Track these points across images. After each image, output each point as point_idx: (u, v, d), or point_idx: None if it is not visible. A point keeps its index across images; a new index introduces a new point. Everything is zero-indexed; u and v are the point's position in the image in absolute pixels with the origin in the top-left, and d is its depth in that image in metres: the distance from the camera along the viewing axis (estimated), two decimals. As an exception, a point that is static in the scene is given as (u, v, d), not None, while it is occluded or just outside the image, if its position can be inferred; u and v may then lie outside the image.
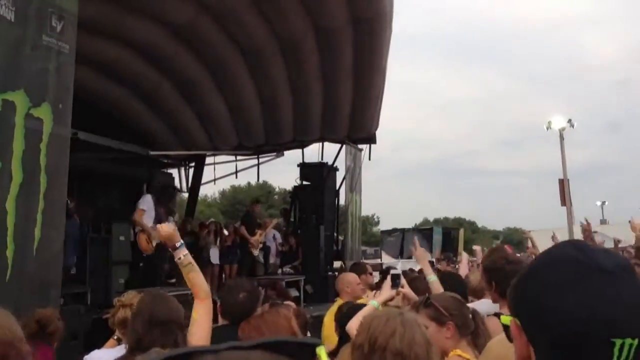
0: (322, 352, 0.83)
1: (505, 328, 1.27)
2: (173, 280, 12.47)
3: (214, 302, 3.78)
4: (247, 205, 15.63)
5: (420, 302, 3.39)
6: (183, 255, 3.51)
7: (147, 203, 10.60)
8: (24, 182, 5.90)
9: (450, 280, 4.91)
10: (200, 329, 3.38)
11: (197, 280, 3.49)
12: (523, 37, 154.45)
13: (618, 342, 1.06)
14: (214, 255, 13.50)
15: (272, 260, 15.30)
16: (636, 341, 1.06)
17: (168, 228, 3.58)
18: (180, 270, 3.57)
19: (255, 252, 14.24)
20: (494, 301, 3.67)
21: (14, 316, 2.54)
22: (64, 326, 4.55)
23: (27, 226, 5.95)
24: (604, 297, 1.09)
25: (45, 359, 4.23)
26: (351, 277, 6.31)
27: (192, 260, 3.54)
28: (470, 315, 3.25)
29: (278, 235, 15.64)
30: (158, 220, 10.70)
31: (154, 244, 10.52)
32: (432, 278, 4.75)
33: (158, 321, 3.07)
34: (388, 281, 4.53)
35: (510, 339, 1.24)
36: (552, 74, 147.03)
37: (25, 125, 5.92)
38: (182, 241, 3.57)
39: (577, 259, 1.13)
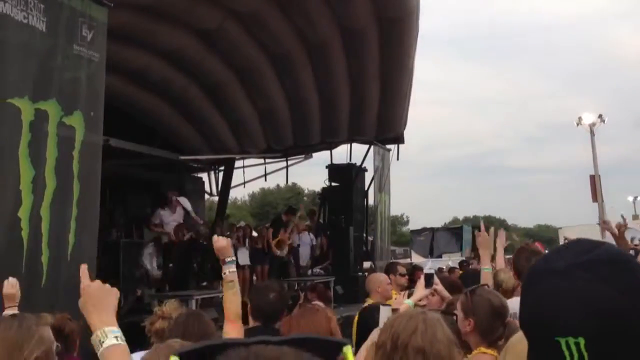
0: (348, 352, 0.85)
1: None
2: (205, 283, 12.63)
3: (244, 304, 3.83)
4: (280, 211, 15.72)
5: (470, 289, 3.42)
6: (229, 271, 3.54)
7: (157, 217, 10.71)
8: (58, 189, 6.01)
9: (473, 280, 4.91)
10: None
11: (232, 301, 3.52)
12: (552, 32, 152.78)
13: (562, 340, 1.06)
14: (243, 257, 13.59)
15: (303, 262, 15.33)
16: (581, 340, 1.05)
17: (223, 241, 3.62)
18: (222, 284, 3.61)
19: (278, 253, 14.25)
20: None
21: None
22: (78, 325, 4.59)
23: (61, 232, 6.07)
24: (548, 297, 1.10)
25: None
26: (382, 277, 6.34)
27: (236, 279, 3.56)
28: (502, 328, 3.23)
29: (313, 239, 15.65)
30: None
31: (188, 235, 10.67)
32: (486, 269, 4.74)
33: (189, 338, 3.12)
34: (422, 280, 4.54)
35: None
36: (581, 70, 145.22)
37: (57, 134, 6.04)
38: (233, 257, 3.61)
39: (537, 264, 1.18)
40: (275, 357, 0.77)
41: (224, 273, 3.53)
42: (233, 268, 3.55)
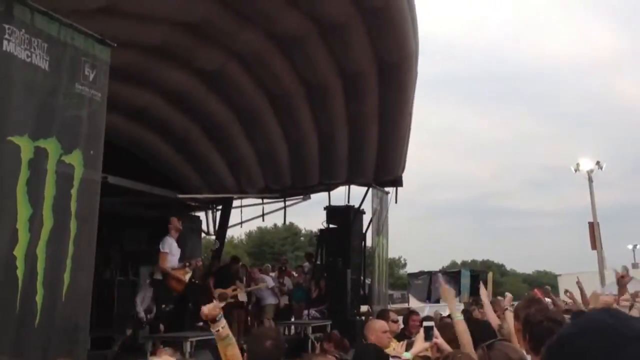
0: None
1: None
2: (201, 324, 12.48)
3: (241, 350, 3.78)
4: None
5: (487, 343, 3.36)
6: (221, 327, 3.53)
7: (168, 245, 10.64)
8: (55, 227, 5.98)
9: (480, 329, 4.84)
10: None
11: (232, 356, 3.50)
12: (551, 78, 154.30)
13: None
14: (242, 295, 13.50)
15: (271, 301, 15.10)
16: None
17: (214, 310, 3.61)
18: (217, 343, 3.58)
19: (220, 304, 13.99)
20: (526, 352, 3.60)
21: None
22: None
23: (56, 271, 6.01)
24: None
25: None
26: (378, 324, 6.24)
27: (230, 333, 3.55)
28: None
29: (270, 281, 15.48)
30: (182, 258, 10.80)
31: (187, 278, 10.58)
32: (459, 317, 4.69)
33: None
34: (421, 333, 4.49)
35: None
36: (580, 115, 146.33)
37: (56, 172, 6.03)
38: (221, 313, 3.59)
39: (613, 326, 1.13)
40: None
41: (217, 330, 3.51)
42: (224, 323, 3.53)
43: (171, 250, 10.61)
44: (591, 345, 1.12)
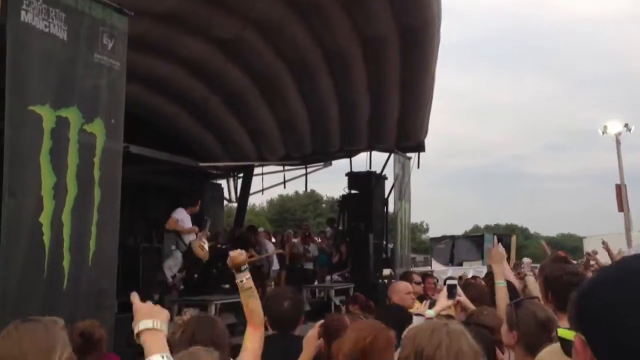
0: None
1: (563, 342, 1.25)
2: (226, 286, 12.70)
3: None
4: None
5: (515, 301, 3.38)
6: (245, 278, 3.53)
7: (178, 213, 10.76)
8: (79, 195, 6.10)
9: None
10: (250, 358, 3.41)
11: (254, 307, 3.51)
12: (574, 37, 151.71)
13: None
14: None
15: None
16: None
17: (240, 255, 3.63)
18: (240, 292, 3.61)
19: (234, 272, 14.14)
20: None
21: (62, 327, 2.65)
22: (106, 332, 4.65)
23: (82, 238, 6.15)
24: None
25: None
26: (401, 285, 6.29)
27: (253, 285, 3.57)
28: (548, 341, 3.18)
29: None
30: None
31: (207, 248, 10.75)
32: (502, 283, 4.65)
33: (199, 342, 3.11)
34: (444, 291, 4.50)
35: (567, 352, 1.23)
36: (604, 75, 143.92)
37: (78, 141, 6.12)
38: (247, 265, 3.62)
39: None
40: None
41: (240, 281, 3.53)
42: (248, 274, 3.55)
43: (182, 218, 10.73)
44: (631, 293, 1.10)
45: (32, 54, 5.72)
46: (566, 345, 1.23)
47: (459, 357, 2.25)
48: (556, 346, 2.09)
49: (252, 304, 3.51)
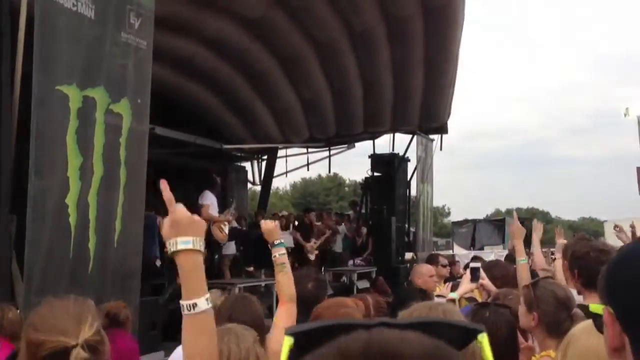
0: (484, 341, 0.78)
1: (595, 317, 1.21)
2: (251, 269, 12.71)
3: None
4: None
5: (533, 281, 3.31)
6: (279, 253, 3.49)
7: (208, 198, 10.75)
8: (105, 176, 6.06)
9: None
10: (281, 335, 3.37)
11: (285, 282, 3.47)
12: (602, 20, 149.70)
13: None
14: (287, 242, 13.61)
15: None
16: None
17: (271, 224, 3.57)
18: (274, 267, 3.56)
19: (312, 257, 14.22)
20: (578, 292, 3.52)
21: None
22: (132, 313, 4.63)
23: (108, 219, 6.13)
24: None
25: (124, 343, 4.31)
26: (424, 268, 6.24)
27: (286, 261, 3.52)
28: (569, 320, 3.11)
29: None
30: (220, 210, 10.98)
31: (227, 231, 10.74)
32: (523, 260, 4.57)
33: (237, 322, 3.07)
34: (467, 274, 4.46)
35: (599, 328, 1.18)
36: (630, 59, 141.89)
37: (105, 121, 6.08)
38: (281, 240, 3.55)
39: None
40: (398, 343, 0.69)
41: (274, 256, 3.50)
42: (282, 250, 3.51)
43: (212, 202, 10.73)
44: None
45: (59, 32, 5.67)
46: (598, 321, 1.19)
47: None
48: (589, 323, 2.04)
49: (283, 278, 3.47)
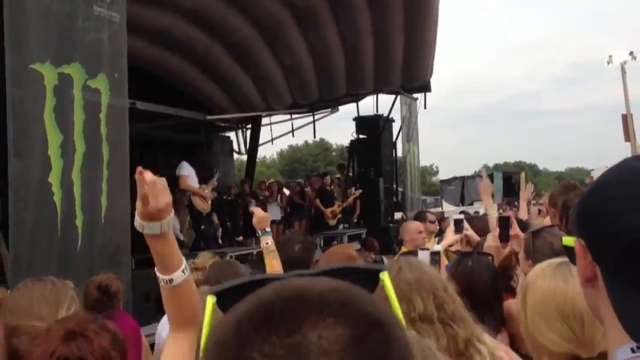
0: (386, 278, 0.83)
1: (568, 250, 1.21)
2: (240, 238, 12.76)
3: None
4: (314, 178, 15.83)
5: (535, 230, 3.37)
6: (270, 241, 3.57)
7: (185, 169, 10.76)
8: (87, 152, 6.02)
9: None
10: None
11: (276, 267, 3.57)
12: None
13: None
14: (274, 212, 13.65)
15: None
16: None
17: (262, 213, 3.64)
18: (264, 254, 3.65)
19: (332, 223, 14.31)
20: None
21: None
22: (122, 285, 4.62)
23: (93, 195, 6.10)
24: None
25: (128, 325, 4.31)
26: (413, 225, 6.29)
27: (275, 249, 3.62)
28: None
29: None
30: (201, 180, 11.00)
31: (209, 202, 10.78)
32: (493, 214, 4.65)
33: None
34: (451, 226, 4.52)
35: (573, 261, 1.19)
36: (614, 8, 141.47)
37: (83, 97, 6.02)
38: (269, 229, 3.67)
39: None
40: (307, 284, 0.75)
41: (266, 243, 3.59)
42: (271, 238, 3.61)
43: (190, 173, 10.73)
44: (625, 191, 1.06)
45: (29, 11, 5.58)
46: (571, 253, 1.19)
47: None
48: (544, 265, 2.07)
49: (275, 264, 3.56)
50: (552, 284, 1.97)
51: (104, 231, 6.21)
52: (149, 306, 7.68)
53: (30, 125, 5.55)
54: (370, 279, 0.83)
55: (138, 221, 1.78)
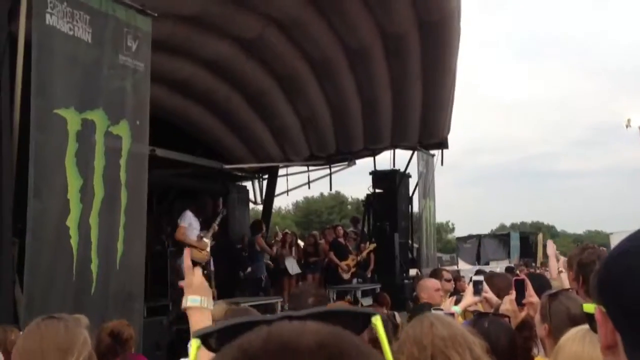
0: (378, 322, 0.81)
1: (589, 317, 1.20)
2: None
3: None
4: (327, 231, 15.87)
5: (552, 292, 3.31)
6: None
7: (186, 219, 10.64)
8: (106, 197, 6.08)
9: (536, 281, 4.75)
10: None
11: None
12: (599, 31, 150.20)
13: None
14: (292, 266, 13.61)
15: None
16: None
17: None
18: None
19: (346, 277, 14.23)
20: (582, 299, 3.53)
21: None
22: (135, 332, 4.60)
23: (110, 241, 6.13)
24: None
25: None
26: (430, 282, 6.24)
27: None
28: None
29: None
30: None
31: (208, 250, 10.65)
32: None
33: None
34: (470, 288, 4.44)
35: (594, 329, 1.18)
36: (630, 69, 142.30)
37: (105, 143, 6.11)
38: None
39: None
40: (295, 335, 0.72)
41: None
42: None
43: (191, 223, 10.61)
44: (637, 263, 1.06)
45: (57, 57, 5.72)
46: (592, 320, 1.18)
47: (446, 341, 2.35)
48: (576, 330, 2.09)
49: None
50: (580, 348, 1.99)
51: (119, 277, 6.22)
52: (160, 354, 7.63)
53: (51, 168, 5.62)
54: (361, 323, 0.81)
55: (185, 297, 2.28)
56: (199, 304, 2.23)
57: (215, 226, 11.34)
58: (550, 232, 77.53)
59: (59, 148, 5.68)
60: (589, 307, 1.20)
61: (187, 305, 2.24)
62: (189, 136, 13.60)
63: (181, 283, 2.35)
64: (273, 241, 14.75)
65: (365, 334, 0.83)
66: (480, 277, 4.71)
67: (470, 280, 5.61)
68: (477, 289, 4.39)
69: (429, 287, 6.04)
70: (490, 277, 5.10)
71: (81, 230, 5.75)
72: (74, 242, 5.67)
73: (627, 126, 29.53)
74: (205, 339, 0.79)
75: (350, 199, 62.54)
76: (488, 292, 4.47)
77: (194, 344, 0.78)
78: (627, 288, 1.06)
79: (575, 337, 2.08)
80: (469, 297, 4.44)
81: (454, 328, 2.41)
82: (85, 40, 5.96)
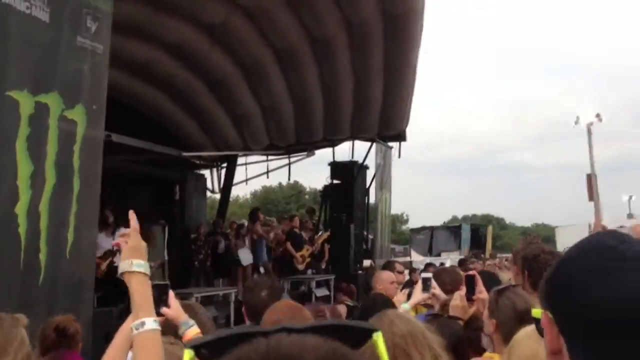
0: (379, 339, 0.81)
1: (537, 322, 1.24)
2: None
3: (240, 303, 3.69)
4: (283, 221, 15.85)
5: (499, 288, 3.32)
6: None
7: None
8: (57, 184, 5.87)
9: (485, 278, 4.77)
10: None
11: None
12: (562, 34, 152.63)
13: None
14: (246, 257, 13.49)
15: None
16: None
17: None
18: None
19: (301, 268, 14.17)
20: (527, 292, 3.56)
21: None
22: (81, 327, 4.46)
23: (60, 229, 5.92)
24: None
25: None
26: (385, 275, 6.23)
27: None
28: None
29: None
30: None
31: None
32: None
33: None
34: (419, 284, 4.46)
35: (541, 332, 1.20)
36: (583, 72, 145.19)
37: (58, 127, 5.89)
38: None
39: (612, 247, 1.09)
40: (295, 350, 0.69)
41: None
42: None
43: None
44: (591, 265, 1.09)
45: (11, 36, 5.47)
46: (539, 325, 1.22)
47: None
48: (532, 328, 2.10)
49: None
50: (536, 346, 2.02)
51: (68, 266, 6.02)
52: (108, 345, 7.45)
53: (1, 153, 5.39)
54: (360, 337, 0.80)
55: (126, 261, 2.03)
56: (144, 269, 2.04)
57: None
58: (500, 224, 78.96)
59: (10, 132, 5.44)
60: (537, 312, 1.22)
61: (132, 269, 2.02)
62: (148, 122, 13.35)
63: (121, 241, 2.14)
64: (228, 231, 14.60)
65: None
66: (429, 274, 4.74)
67: (420, 274, 5.64)
68: (426, 285, 4.42)
69: (385, 280, 6.04)
70: (439, 273, 5.14)
71: (30, 218, 5.53)
72: (22, 230, 5.45)
73: (576, 123, 30.26)
74: (199, 349, 0.78)
75: (308, 189, 62.48)
76: (436, 289, 4.49)
77: (187, 355, 0.78)
78: (570, 295, 1.09)
79: (531, 335, 2.08)
80: (418, 294, 4.48)
81: (414, 325, 2.42)
82: (42, 20, 5.71)
